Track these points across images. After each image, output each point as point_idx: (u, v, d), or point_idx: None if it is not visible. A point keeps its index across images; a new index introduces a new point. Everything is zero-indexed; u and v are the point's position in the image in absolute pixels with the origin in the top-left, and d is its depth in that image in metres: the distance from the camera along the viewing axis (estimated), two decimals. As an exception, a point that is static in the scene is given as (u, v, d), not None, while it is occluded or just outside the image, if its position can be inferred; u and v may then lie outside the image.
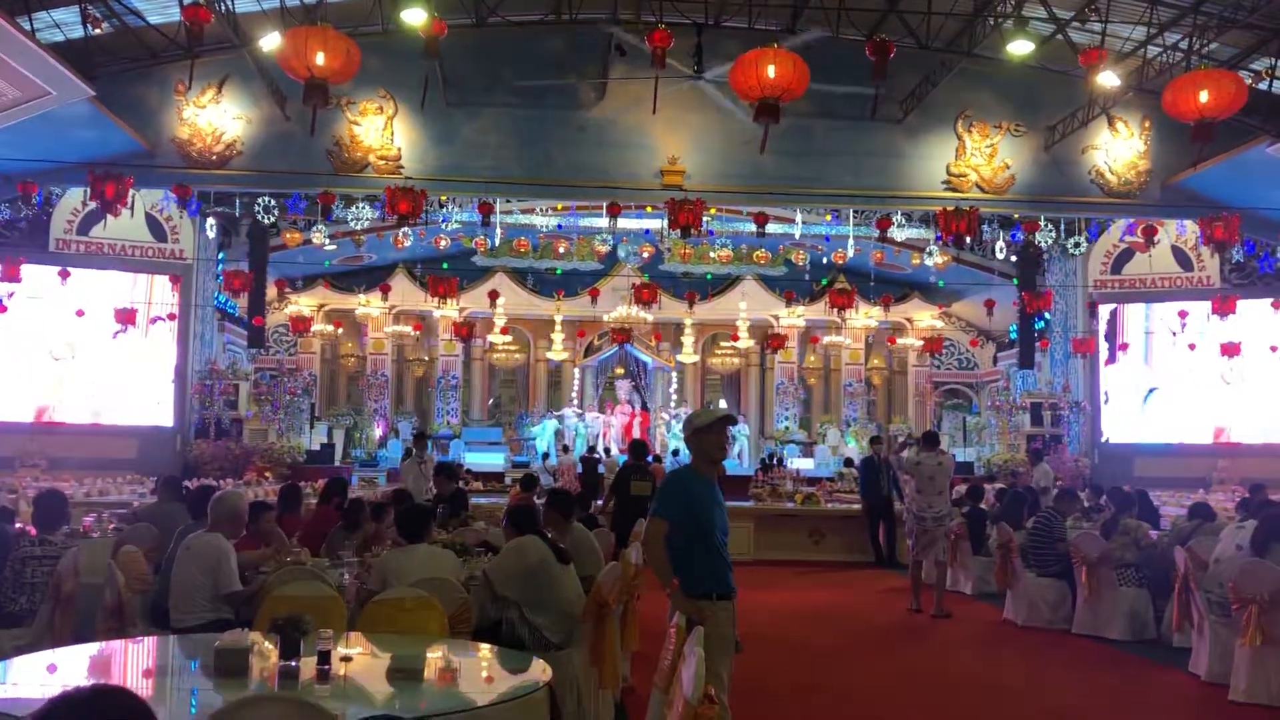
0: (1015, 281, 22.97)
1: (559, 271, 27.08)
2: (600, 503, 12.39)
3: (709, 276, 27.60)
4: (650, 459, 14.80)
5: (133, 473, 18.40)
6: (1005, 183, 19.13)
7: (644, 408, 29.39)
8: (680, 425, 27.70)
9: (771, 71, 10.80)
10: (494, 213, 19.16)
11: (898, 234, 20.81)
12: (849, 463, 21.40)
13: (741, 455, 26.51)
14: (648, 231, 23.47)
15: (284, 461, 21.26)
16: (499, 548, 7.49)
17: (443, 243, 23.39)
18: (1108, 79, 16.41)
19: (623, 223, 20.32)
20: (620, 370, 30.43)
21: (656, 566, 4.82)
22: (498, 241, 23.70)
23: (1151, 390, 22.34)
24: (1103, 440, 22.54)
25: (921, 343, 27.22)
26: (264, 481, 17.56)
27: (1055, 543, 10.18)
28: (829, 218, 21.89)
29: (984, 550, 12.25)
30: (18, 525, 7.85)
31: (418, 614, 4.85)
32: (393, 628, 4.72)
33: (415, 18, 13.14)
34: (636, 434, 26.61)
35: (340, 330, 27.92)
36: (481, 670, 4.27)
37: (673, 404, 30.01)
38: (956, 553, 12.43)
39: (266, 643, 4.00)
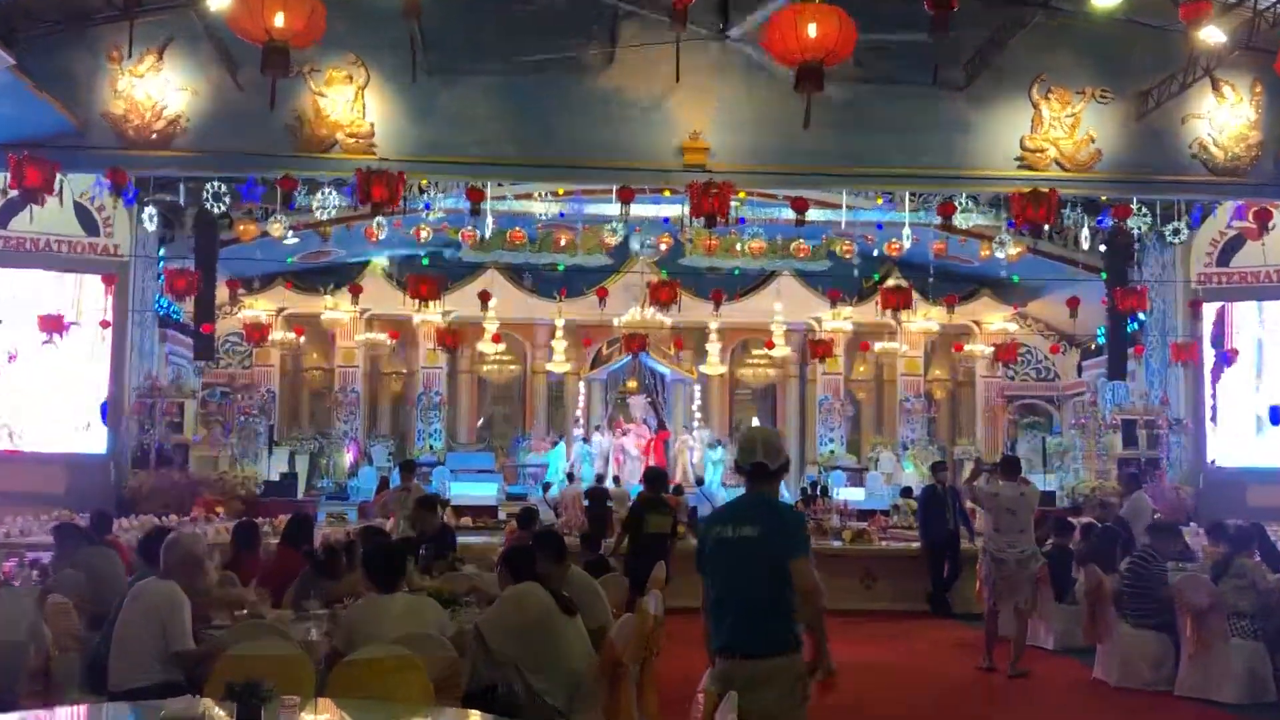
0: (1103, 276, 22.90)
1: (561, 268, 27.13)
2: (611, 542, 12.40)
3: (738, 272, 27.63)
4: (669, 490, 14.78)
5: (61, 509, 18.42)
6: (1090, 159, 19.06)
7: (661, 427, 29.41)
8: (726, 450, 27.96)
9: (813, 30, 10.79)
10: (485, 199, 19.19)
11: (962, 221, 20.76)
12: (907, 493, 21.32)
13: (707, 488, 26.13)
14: (665, 220, 23.48)
15: (237, 494, 21.29)
16: (493, 597, 7.51)
17: (424, 235, 23.45)
18: (1212, 35, 16.31)
19: (636, 210, 20.33)
20: (633, 384, 30.45)
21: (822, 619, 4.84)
22: (488, 233, 23.76)
23: (1276, 409, 22.11)
24: (1210, 464, 22.40)
25: (992, 349, 27.14)
26: (214, 519, 17.56)
27: (1155, 588, 10.13)
28: (880, 202, 21.85)
29: (1069, 597, 12.20)
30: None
31: (398, 676, 4.87)
32: (368, 692, 4.75)
33: (391, -30, 13.20)
34: (654, 459, 26.62)
35: (303, 339, 27.97)
36: (474, 744, 4.28)
37: (696, 423, 30.00)
38: (1037, 600, 12.38)
39: (220, 711, 4.00)
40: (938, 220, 20.01)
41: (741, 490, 5.16)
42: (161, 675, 5.89)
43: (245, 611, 6.79)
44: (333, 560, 8.06)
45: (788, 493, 26.61)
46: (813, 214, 20.38)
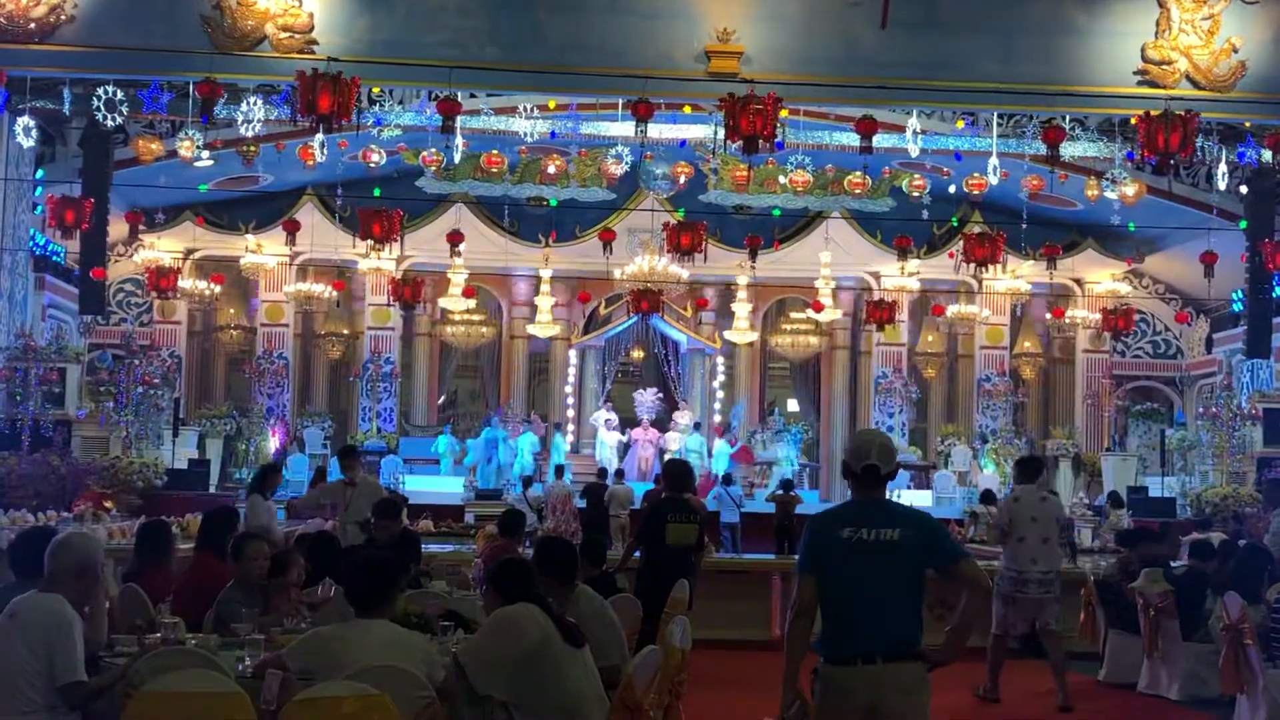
0: (1243, 225, 22.80)
1: (553, 203, 27.04)
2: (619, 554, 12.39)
3: (777, 212, 27.52)
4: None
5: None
6: (1231, 74, 18.94)
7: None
8: (769, 441, 28.01)
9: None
10: (458, 114, 19.07)
11: (1066, 150, 20.67)
12: (987, 498, 21.30)
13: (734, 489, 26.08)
14: (683, 143, 23.36)
15: (134, 486, 21.28)
16: (472, 622, 7.48)
17: (374, 158, 23.33)
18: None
19: (648, 130, 20.20)
20: (639, 353, 30.44)
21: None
22: (458, 157, 23.62)
23: None
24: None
25: (1099, 316, 27.08)
26: (104, 516, 17.56)
27: (1312, 623, 10.10)
28: (961, 125, 21.73)
29: (1201, 634, 12.17)
30: None
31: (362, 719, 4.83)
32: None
33: None
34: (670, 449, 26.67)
35: (219, 289, 27.96)
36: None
37: (717, 405, 30.03)
38: (1156, 639, 12.36)
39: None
40: (1037, 150, 19.89)
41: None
42: (48, 715, 5.88)
43: (158, 636, 6.75)
44: (284, 562, 8.06)
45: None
46: (876, 139, 20.27)
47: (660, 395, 29.90)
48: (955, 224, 26.82)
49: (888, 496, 6.14)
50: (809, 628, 5.75)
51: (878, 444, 5.94)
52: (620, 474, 24.41)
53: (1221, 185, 20.92)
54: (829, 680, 5.64)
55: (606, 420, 28.51)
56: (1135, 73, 18.87)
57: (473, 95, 20.76)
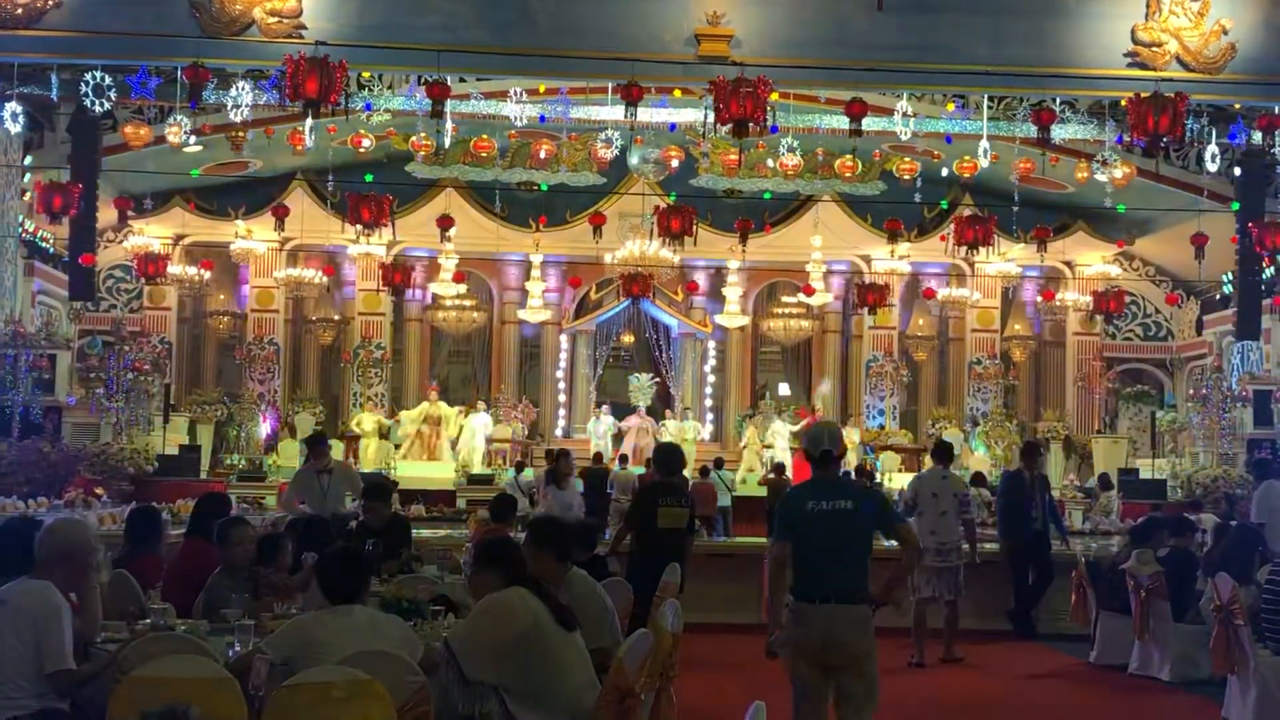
0: (1234, 207, 22.80)
1: (544, 187, 27.00)
2: (609, 537, 12.40)
3: (768, 196, 27.49)
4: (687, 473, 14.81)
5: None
6: (1221, 56, 18.94)
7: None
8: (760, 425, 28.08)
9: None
10: (447, 98, 19.03)
11: (1056, 133, 20.65)
12: (978, 480, 21.34)
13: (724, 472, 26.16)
14: (673, 127, 23.32)
15: (125, 473, 21.27)
16: (462, 606, 7.48)
17: (364, 143, 23.31)
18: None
19: (638, 114, 20.16)
20: (630, 337, 30.44)
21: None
22: (448, 142, 23.54)
23: None
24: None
25: (1089, 299, 27.08)
26: (94, 502, 17.58)
27: (1303, 605, 10.10)
28: (952, 108, 21.70)
29: (1191, 615, 12.19)
30: None
31: (353, 705, 4.94)
32: (317, 726, 4.72)
33: None
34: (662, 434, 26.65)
35: (209, 274, 27.93)
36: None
37: (708, 389, 30.06)
38: (1147, 620, 12.40)
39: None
40: (1027, 132, 19.88)
41: None
42: (37, 702, 5.88)
43: (148, 622, 6.74)
44: (273, 547, 8.06)
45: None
46: (867, 123, 20.23)
47: (656, 380, 29.90)
48: (945, 207, 26.78)
49: (840, 474, 8.08)
50: (786, 577, 7.33)
51: (828, 433, 7.71)
52: (624, 459, 24.41)
53: (1212, 167, 20.91)
54: (797, 613, 7.22)
55: (602, 419, 28.47)
56: (1125, 55, 18.86)
57: (462, 80, 20.72)
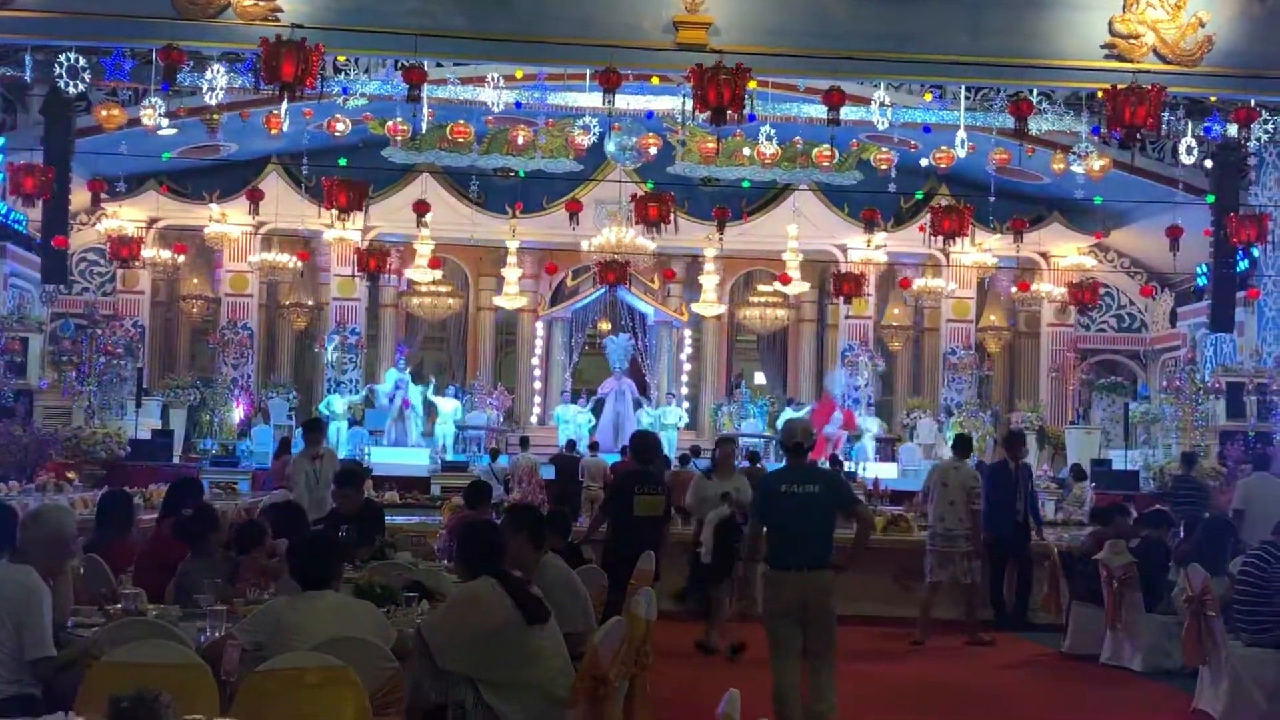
0: (1210, 199, 22.88)
1: (521, 174, 26.96)
2: (584, 524, 12.41)
3: (746, 184, 27.51)
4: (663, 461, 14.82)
5: None
6: (1198, 48, 19.02)
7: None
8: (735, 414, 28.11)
9: None
10: (424, 83, 18.98)
11: (1033, 124, 20.69)
12: (954, 470, 21.39)
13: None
14: (650, 114, 23.30)
15: (97, 456, 21.19)
16: (436, 593, 7.48)
17: (339, 127, 23.25)
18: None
19: (615, 101, 20.15)
20: (606, 325, 30.45)
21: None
22: (424, 127, 23.56)
23: None
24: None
25: (1064, 290, 27.15)
26: (66, 486, 17.50)
27: (1277, 597, 10.13)
28: (929, 98, 21.73)
29: (1164, 606, 12.23)
30: None
31: (325, 691, 4.92)
32: (289, 711, 4.71)
33: None
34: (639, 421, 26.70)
35: (182, 259, 27.84)
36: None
37: (684, 377, 30.10)
38: (1120, 611, 12.43)
39: (99, 735, 3.95)
40: (1004, 123, 19.92)
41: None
42: (14, 688, 5.85)
43: (119, 606, 6.72)
44: (252, 535, 8.04)
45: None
46: (844, 112, 20.26)
47: (632, 340, 29.88)
48: (922, 197, 26.83)
49: (808, 462, 9.45)
50: (760, 550, 8.76)
51: (800, 428, 9.37)
52: (594, 447, 24.39)
53: (1188, 160, 20.97)
54: (774, 580, 8.50)
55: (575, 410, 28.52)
56: (1103, 46, 18.95)
57: (439, 65, 20.68)
